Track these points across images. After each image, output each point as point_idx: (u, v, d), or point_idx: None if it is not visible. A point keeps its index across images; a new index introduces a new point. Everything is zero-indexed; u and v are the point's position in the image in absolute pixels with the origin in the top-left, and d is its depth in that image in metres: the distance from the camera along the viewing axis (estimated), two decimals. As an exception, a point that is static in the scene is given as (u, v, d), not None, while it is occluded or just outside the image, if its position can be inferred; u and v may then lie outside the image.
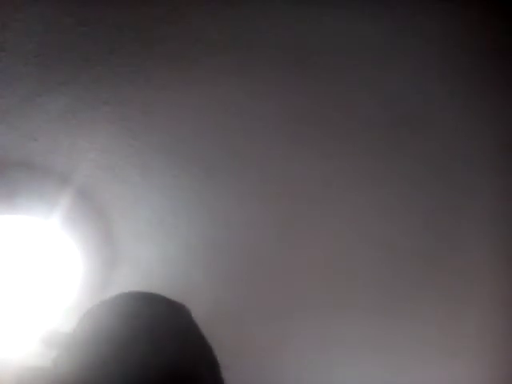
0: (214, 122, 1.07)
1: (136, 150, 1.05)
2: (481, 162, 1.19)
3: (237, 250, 1.19)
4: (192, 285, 1.20)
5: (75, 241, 1.06)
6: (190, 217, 1.13)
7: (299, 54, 1.06)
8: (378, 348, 1.35)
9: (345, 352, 1.34)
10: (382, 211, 1.20)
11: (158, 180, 1.09)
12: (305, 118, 1.11)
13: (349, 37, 1.07)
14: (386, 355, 1.36)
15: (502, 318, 1.34)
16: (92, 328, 0.69)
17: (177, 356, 0.68)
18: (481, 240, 1.26)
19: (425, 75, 1.11)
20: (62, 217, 1.03)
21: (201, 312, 1.21)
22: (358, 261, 1.25)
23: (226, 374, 0.73)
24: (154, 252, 1.15)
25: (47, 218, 1.03)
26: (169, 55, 1.00)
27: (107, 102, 1.01)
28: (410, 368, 1.38)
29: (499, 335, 1.36)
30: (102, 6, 0.94)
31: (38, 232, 1.04)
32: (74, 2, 0.93)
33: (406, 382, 1.42)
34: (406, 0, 1.04)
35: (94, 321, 0.70)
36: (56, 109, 0.99)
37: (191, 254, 1.17)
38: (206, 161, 1.09)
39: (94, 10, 0.94)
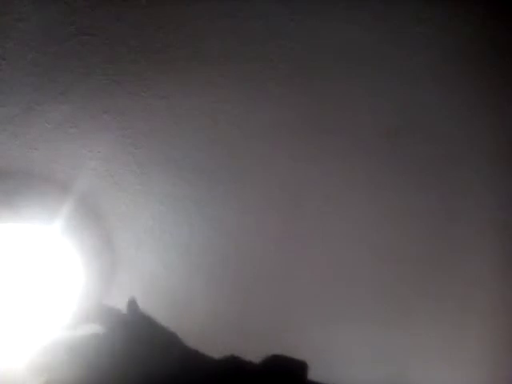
0: (214, 131, 1.07)
1: (136, 159, 1.06)
2: (483, 167, 1.19)
3: (237, 258, 1.19)
4: (192, 293, 1.20)
5: (76, 249, 1.06)
6: (190, 225, 1.13)
7: (299, 65, 1.06)
8: (378, 354, 1.34)
9: (345, 360, 1.33)
10: (384, 218, 1.20)
11: (158, 188, 1.09)
12: (305, 128, 1.11)
13: (348, 46, 1.07)
14: (386, 362, 1.35)
15: (504, 326, 1.33)
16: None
17: None
18: (483, 246, 1.25)
19: (425, 79, 1.12)
20: (62, 225, 1.03)
21: (201, 320, 1.22)
22: (360, 269, 1.24)
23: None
24: (154, 260, 1.15)
25: (48, 226, 1.03)
26: (169, 65, 1.01)
27: (107, 111, 1.01)
28: (410, 375, 1.37)
29: (501, 343, 1.35)
30: (101, 16, 0.95)
31: (39, 240, 1.04)
32: (74, 11, 0.94)
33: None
34: (405, 6, 1.05)
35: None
36: (56, 118, 0.99)
37: (191, 262, 1.17)
38: (206, 169, 1.10)
39: (94, 20, 0.95)
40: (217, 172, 1.11)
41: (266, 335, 1.29)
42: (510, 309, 1.31)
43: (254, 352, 1.32)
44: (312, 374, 1.35)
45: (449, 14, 1.07)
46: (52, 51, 0.95)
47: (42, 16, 0.93)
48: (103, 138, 1.03)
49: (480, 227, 1.23)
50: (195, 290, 1.20)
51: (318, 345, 1.31)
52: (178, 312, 1.19)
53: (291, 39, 1.04)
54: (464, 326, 1.33)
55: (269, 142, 1.10)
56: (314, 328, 1.29)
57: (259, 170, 1.12)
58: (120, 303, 1.11)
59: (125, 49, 0.98)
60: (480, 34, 1.09)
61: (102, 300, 1.12)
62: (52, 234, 1.04)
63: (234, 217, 1.15)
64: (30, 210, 1.02)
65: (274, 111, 1.09)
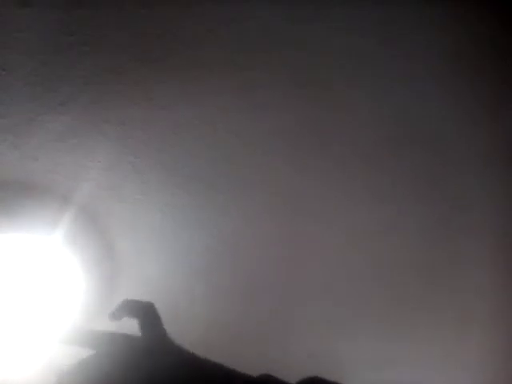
0: (214, 140, 1.07)
1: (136, 168, 1.06)
2: (482, 176, 1.19)
3: (236, 265, 1.19)
4: (193, 301, 1.20)
5: (76, 258, 1.06)
6: (189, 233, 1.14)
7: (299, 72, 1.06)
8: (376, 365, 1.34)
9: (344, 369, 1.34)
10: (382, 227, 1.20)
11: (158, 197, 1.09)
12: (305, 135, 1.11)
13: (349, 52, 1.07)
14: (386, 371, 1.35)
15: (504, 336, 1.34)
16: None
17: None
18: (482, 256, 1.25)
19: (424, 86, 1.12)
20: (63, 235, 1.04)
21: (201, 326, 1.22)
22: (359, 278, 1.25)
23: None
24: (155, 268, 1.15)
25: (48, 237, 1.03)
26: (169, 74, 1.01)
27: (107, 120, 1.01)
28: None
29: (500, 353, 1.35)
30: (102, 25, 0.95)
31: (40, 250, 1.04)
32: (75, 21, 0.93)
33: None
34: (404, 11, 1.05)
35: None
36: (56, 128, 0.99)
37: (191, 269, 1.17)
38: (205, 179, 1.10)
39: (94, 30, 0.95)
40: (216, 180, 1.11)
41: (266, 341, 1.29)
42: (510, 318, 1.32)
43: (254, 358, 1.33)
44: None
45: (448, 15, 1.07)
46: (52, 61, 0.95)
47: (41, 26, 0.93)
48: (103, 147, 1.03)
49: (480, 236, 1.24)
50: (195, 296, 1.21)
51: (318, 351, 1.31)
52: (178, 319, 1.19)
53: (291, 47, 1.04)
54: (464, 335, 1.33)
55: (268, 151, 1.10)
56: (314, 335, 1.29)
57: (258, 178, 1.12)
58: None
59: (124, 58, 0.98)
60: (480, 35, 1.09)
61: (104, 308, 1.12)
62: (52, 244, 1.04)
63: (233, 225, 1.16)
64: (30, 220, 1.02)
65: (274, 119, 1.09)
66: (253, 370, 1.32)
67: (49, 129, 0.99)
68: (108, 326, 0.84)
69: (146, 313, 0.75)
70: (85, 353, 0.69)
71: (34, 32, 0.93)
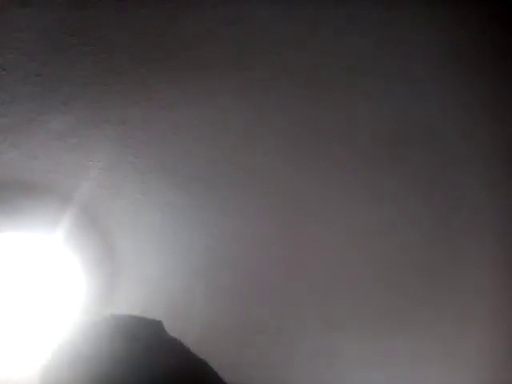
0: (214, 140, 1.07)
1: (136, 168, 1.06)
2: (482, 176, 1.19)
3: (236, 265, 1.19)
4: (192, 299, 1.20)
5: (77, 257, 1.07)
6: (189, 233, 1.14)
7: (299, 73, 1.06)
8: (376, 364, 1.34)
9: (344, 368, 1.33)
10: (382, 227, 1.20)
11: (158, 197, 1.09)
12: (304, 135, 1.11)
13: (349, 53, 1.07)
14: (386, 372, 1.35)
15: (502, 335, 1.33)
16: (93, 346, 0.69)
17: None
18: (482, 255, 1.25)
19: (424, 86, 1.12)
20: (63, 234, 1.04)
21: (201, 326, 1.22)
22: (358, 277, 1.25)
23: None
24: (155, 268, 1.15)
25: (48, 236, 1.03)
26: (169, 74, 1.01)
27: (108, 120, 1.01)
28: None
29: (499, 352, 1.35)
30: (102, 26, 0.95)
31: (40, 249, 1.04)
32: (75, 21, 0.94)
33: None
34: (404, 12, 1.05)
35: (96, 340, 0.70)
36: (57, 128, 0.99)
37: (192, 269, 1.17)
38: (205, 178, 1.10)
39: (94, 30, 0.95)
40: (216, 181, 1.11)
41: (267, 342, 1.29)
42: (510, 318, 1.31)
43: (254, 359, 1.33)
44: (311, 382, 1.36)
45: (448, 15, 1.07)
46: (52, 61, 0.95)
47: (41, 26, 0.93)
48: (104, 147, 1.03)
49: (480, 236, 1.24)
50: (195, 296, 1.21)
51: (318, 351, 1.31)
52: (178, 318, 1.19)
53: (291, 47, 1.04)
54: (464, 335, 1.33)
55: (268, 151, 1.11)
56: (314, 335, 1.29)
57: (258, 178, 1.12)
58: (121, 311, 1.13)
59: (125, 58, 0.98)
60: (480, 35, 1.09)
61: (104, 307, 1.12)
62: (53, 243, 1.04)
63: (233, 225, 1.16)
64: (30, 219, 1.03)
65: (274, 120, 1.09)
66: (253, 369, 1.33)
67: (49, 128, 0.99)
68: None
69: (153, 333, 0.74)
70: (85, 351, 0.70)
71: (34, 32, 0.93)
